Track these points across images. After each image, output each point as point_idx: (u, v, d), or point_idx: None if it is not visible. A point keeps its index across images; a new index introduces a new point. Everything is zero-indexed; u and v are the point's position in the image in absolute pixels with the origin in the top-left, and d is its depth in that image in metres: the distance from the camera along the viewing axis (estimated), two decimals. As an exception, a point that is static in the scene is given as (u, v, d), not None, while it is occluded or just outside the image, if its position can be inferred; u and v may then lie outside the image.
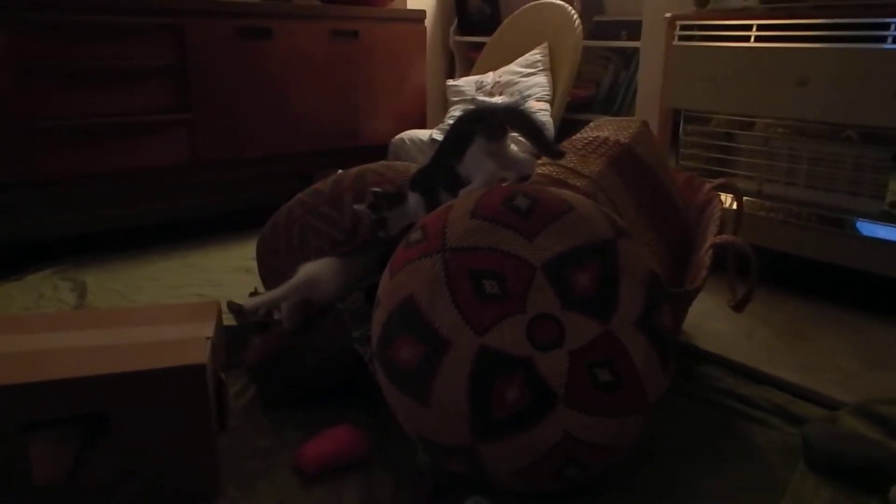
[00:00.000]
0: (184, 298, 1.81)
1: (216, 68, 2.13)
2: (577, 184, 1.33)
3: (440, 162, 1.27)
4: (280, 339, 1.32)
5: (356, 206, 1.30)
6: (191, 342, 1.07)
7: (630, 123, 1.50)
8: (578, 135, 1.51)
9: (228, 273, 2.02)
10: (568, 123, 2.57)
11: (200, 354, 1.03)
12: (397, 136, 2.51)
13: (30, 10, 1.81)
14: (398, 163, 1.55)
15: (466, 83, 2.64)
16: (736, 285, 1.55)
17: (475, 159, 1.22)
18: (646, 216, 1.44)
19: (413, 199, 1.28)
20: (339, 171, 1.55)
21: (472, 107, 2.43)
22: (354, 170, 1.49)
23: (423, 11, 2.66)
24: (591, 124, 1.56)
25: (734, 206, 1.60)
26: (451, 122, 2.45)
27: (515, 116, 1.22)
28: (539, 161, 1.41)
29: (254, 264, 2.07)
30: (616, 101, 2.62)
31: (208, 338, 1.09)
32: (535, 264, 1.01)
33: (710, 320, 1.72)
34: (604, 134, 1.47)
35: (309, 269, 1.32)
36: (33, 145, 1.87)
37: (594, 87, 2.71)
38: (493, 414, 0.96)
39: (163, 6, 2.02)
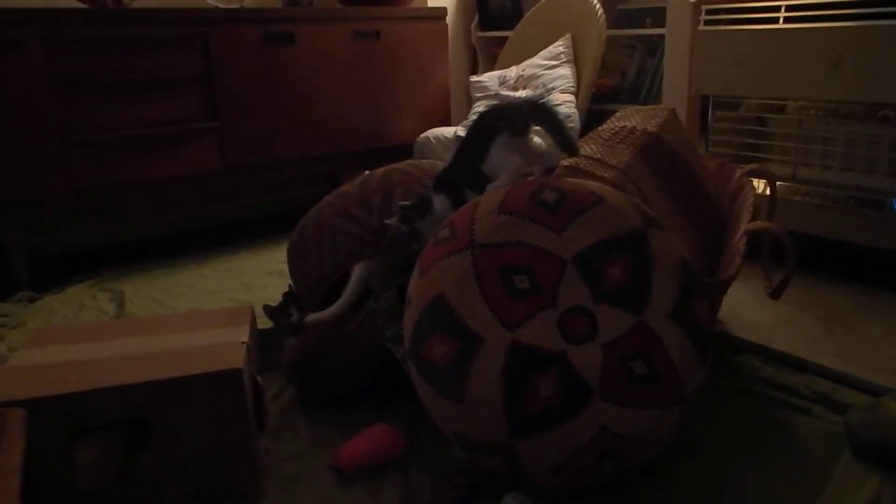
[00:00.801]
0: (219, 303, 1.84)
1: (242, 75, 2.16)
2: (605, 175, 1.31)
3: (464, 161, 1.27)
4: (315, 340, 1.33)
5: (388, 221, 1.31)
6: (227, 347, 1.09)
7: (658, 112, 1.48)
8: (605, 125, 1.50)
9: (261, 276, 2.05)
10: (595, 114, 2.54)
11: (237, 359, 1.05)
12: (422, 135, 2.52)
13: (63, 24, 1.86)
14: (424, 161, 1.55)
15: (490, 78, 2.63)
16: (772, 272, 1.52)
17: (499, 157, 1.21)
18: (676, 205, 1.42)
19: (439, 201, 1.28)
20: (366, 171, 1.56)
21: (494, 103, 2.42)
22: (381, 170, 1.49)
23: (444, 9, 2.65)
24: (618, 114, 1.54)
25: (767, 192, 1.57)
26: (474, 118, 2.44)
27: (537, 111, 1.22)
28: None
29: (285, 267, 2.09)
30: (643, 89, 2.59)
31: (244, 342, 1.11)
32: (564, 258, 1.00)
33: (746, 309, 1.69)
34: (631, 123, 1.45)
35: (360, 269, 1.37)
36: (68, 158, 1.92)
37: (620, 76, 2.68)
38: (528, 409, 0.96)
39: (188, 16, 2.05)
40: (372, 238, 1.39)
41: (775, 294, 1.36)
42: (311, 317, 1.37)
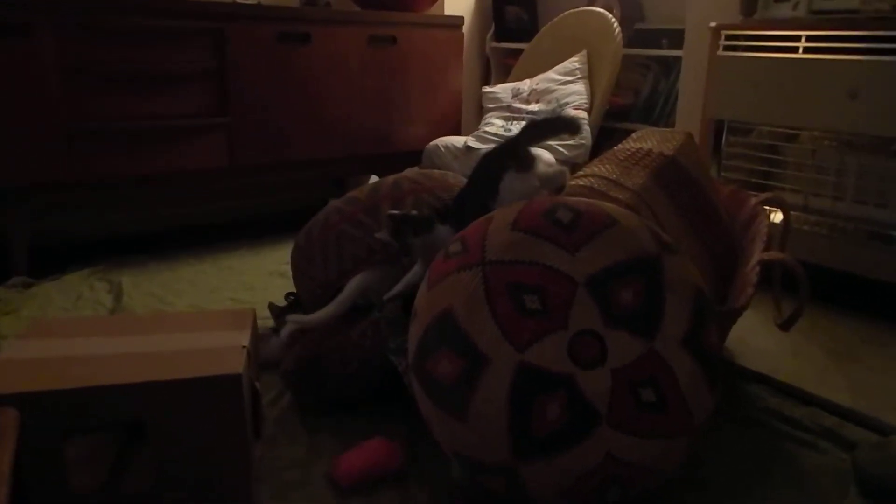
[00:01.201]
0: (219, 302, 1.81)
1: (255, 73, 2.15)
2: (620, 196, 1.29)
3: (474, 198, 1.27)
4: (316, 346, 1.31)
5: (378, 235, 1.30)
6: (227, 351, 1.07)
7: (674, 135, 1.47)
8: (621, 146, 1.48)
9: (263, 277, 2.03)
10: (605, 132, 2.53)
11: (236, 364, 1.03)
12: (431, 143, 2.50)
13: (76, 13, 1.84)
14: (435, 171, 1.53)
15: (503, 90, 2.62)
16: (782, 302, 1.50)
17: (510, 191, 1.23)
18: (690, 229, 1.40)
19: (444, 231, 1.26)
20: (373, 176, 1.55)
21: (505, 114, 2.41)
22: (391, 178, 1.47)
23: (462, 18, 2.64)
24: (634, 135, 1.53)
25: (779, 220, 1.55)
26: (486, 129, 2.43)
27: (532, 134, 1.27)
28: (582, 174, 1.39)
29: (287, 268, 2.08)
30: (655, 110, 2.58)
31: (244, 346, 1.09)
32: (577, 279, 0.99)
33: (754, 337, 1.67)
34: (647, 145, 1.43)
35: (358, 280, 1.34)
36: (74, 147, 1.90)
37: (633, 95, 2.67)
38: (533, 432, 0.93)
39: (205, 11, 2.03)
40: (379, 246, 1.37)
41: (785, 326, 1.34)
42: (293, 317, 1.35)
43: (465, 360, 0.97)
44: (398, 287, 1.27)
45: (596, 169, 1.39)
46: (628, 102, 2.66)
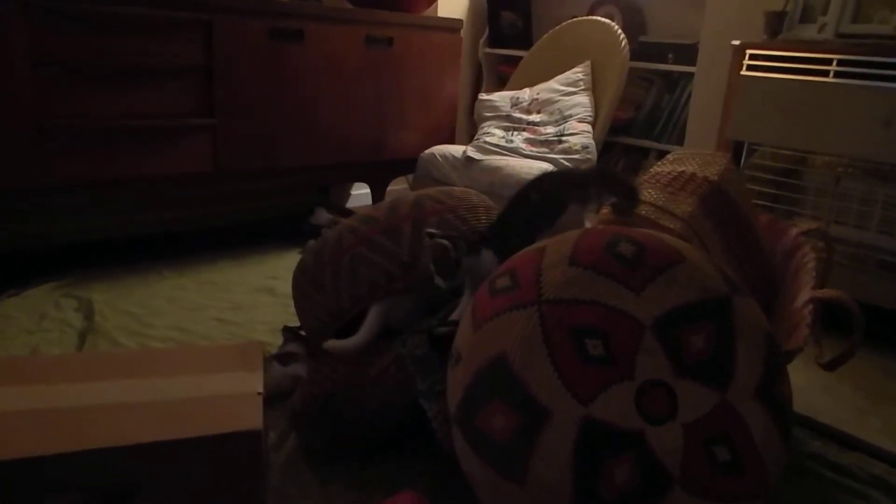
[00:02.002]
0: (203, 323, 1.64)
1: (244, 70, 1.97)
2: (671, 225, 1.19)
3: (528, 224, 1.14)
4: (330, 383, 1.16)
5: (432, 231, 1.15)
6: (240, 400, 0.92)
7: (716, 159, 1.37)
8: (659, 168, 1.38)
9: (250, 294, 1.86)
10: (605, 146, 2.44)
11: (254, 417, 0.88)
12: (427, 151, 2.36)
13: (47, -3, 1.65)
14: (456, 189, 1.40)
15: (501, 98, 2.50)
16: (822, 339, 1.42)
17: (565, 227, 1.10)
18: (734, 260, 1.31)
19: (489, 257, 1.13)
20: (358, 185, 1.40)
21: (504, 124, 2.29)
22: (411, 195, 1.33)
23: (460, 21, 2.51)
24: (670, 157, 1.43)
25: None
26: (486, 139, 2.29)
27: (611, 182, 1.19)
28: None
29: (275, 284, 1.93)
30: (657, 125, 2.50)
31: (259, 393, 0.94)
32: (644, 322, 0.88)
33: (783, 373, 1.59)
34: (689, 168, 1.33)
35: (380, 309, 1.21)
36: (44, 147, 1.69)
37: (633, 109, 2.58)
38: (600, 498, 0.82)
39: (191, 0, 1.85)
40: (400, 272, 1.23)
41: (831, 366, 1.26)
42: (332, 343, 1.19)
43: (522, 415, 0.86)
44: (456, 315, 1.14)
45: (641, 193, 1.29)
46: (629, 117, 2.58)
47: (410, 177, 2.49)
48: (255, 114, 2.03)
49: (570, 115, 2.30)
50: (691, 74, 2.23)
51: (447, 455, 1.02)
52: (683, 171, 1.32)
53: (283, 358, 1.33)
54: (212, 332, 1.59)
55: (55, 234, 2.13)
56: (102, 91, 1.76)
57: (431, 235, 1.13)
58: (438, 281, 1.14)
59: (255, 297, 1.84)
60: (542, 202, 1.15)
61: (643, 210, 1.22)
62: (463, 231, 1.27)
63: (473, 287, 1.12)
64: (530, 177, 1.99)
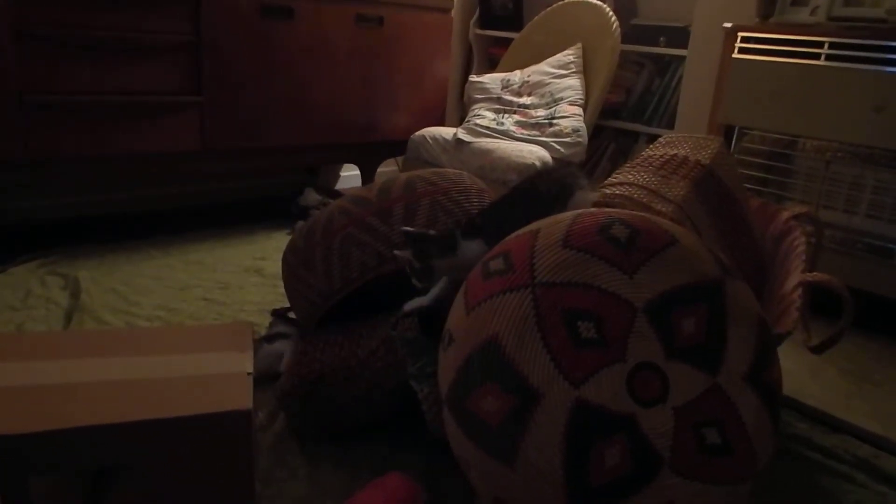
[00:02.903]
0: (191, 302, 1.63)
1: (233, 48, 1.94)
2: (663, 209, 1.19)
3: (532, 211, 1.09)
4: (318, 364, 1.16)
5: (397, 252, 1.12)
6: (230, 380, 0.91)
7: (708, 142, 1.37)
8: (651, 151, 1.37)
9: (237, 273, 1.84)
10: (595, 129, 2.43)
11: (244, 397, 0.87)
12: (417, 133, 2.34)
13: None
14: (449, 170, 1.39)
15: (491, 80, 2.48)
16: (810, 323, 1.44)
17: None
18: (725, 245, 1.31)
19: (473, 248, 1.08)
20: (347, 166, 1.38)
21: (495, 107, 2.27)
22: (403, 177, 1.32)
23: (451, 0, 2.48)
24: (663, 140, 1.42)
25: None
26: (477, 121, 2.27)
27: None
28: (616, 181, 1.28)
29: (263, 264, 1.91)
30: (647, 109, 2.49)
31: (250, 373, 0.93)
32: (636, 305, 0.88)
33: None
34: (681, 152, 1.33)
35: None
36: (28, 121, 1.66)
37: (624, 93, 2.57)
38: (591, 480, 0.82)
39: (178, -25, 1.82)
40: (391, 254, 1.22)
41: (820, 349, 1.27)
42: (412, 304, 1.12)
43: (513, 397, 0.85)
44: (422, 300, 1.12)
45: (630, 177, 1.28)
46: (619, 100, 2.57)
47: (400, 159, 2.47)
48: (244, 92, 2.00)
49: (561, 98, 2.29)
50: (683, 58, 2.23)
51: (437, 437, 1.01)
52: (676, 155, 1.32)
53: (271, 339, 1.32)
54: (199, 312, 1.58)
55: (41, 211, 2.09)
56: (87, 65, 1.72)
57: (406, 234, 1.11)
58: (416, 282, 1.12)
59: (243, 277, 1.82)
60: (553, 187, 1.13)
61: (636, 193, 1.21)
62: (456, 214, 1.26)
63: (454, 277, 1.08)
64: (521, 160, 2.02)
